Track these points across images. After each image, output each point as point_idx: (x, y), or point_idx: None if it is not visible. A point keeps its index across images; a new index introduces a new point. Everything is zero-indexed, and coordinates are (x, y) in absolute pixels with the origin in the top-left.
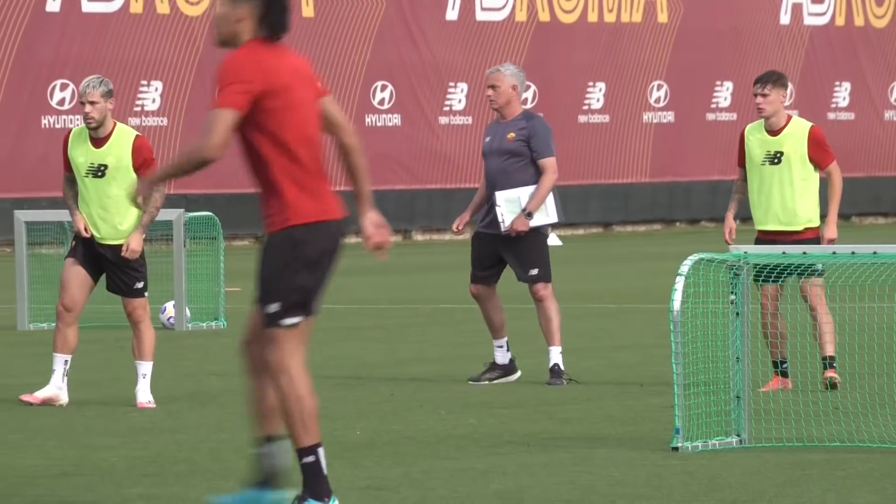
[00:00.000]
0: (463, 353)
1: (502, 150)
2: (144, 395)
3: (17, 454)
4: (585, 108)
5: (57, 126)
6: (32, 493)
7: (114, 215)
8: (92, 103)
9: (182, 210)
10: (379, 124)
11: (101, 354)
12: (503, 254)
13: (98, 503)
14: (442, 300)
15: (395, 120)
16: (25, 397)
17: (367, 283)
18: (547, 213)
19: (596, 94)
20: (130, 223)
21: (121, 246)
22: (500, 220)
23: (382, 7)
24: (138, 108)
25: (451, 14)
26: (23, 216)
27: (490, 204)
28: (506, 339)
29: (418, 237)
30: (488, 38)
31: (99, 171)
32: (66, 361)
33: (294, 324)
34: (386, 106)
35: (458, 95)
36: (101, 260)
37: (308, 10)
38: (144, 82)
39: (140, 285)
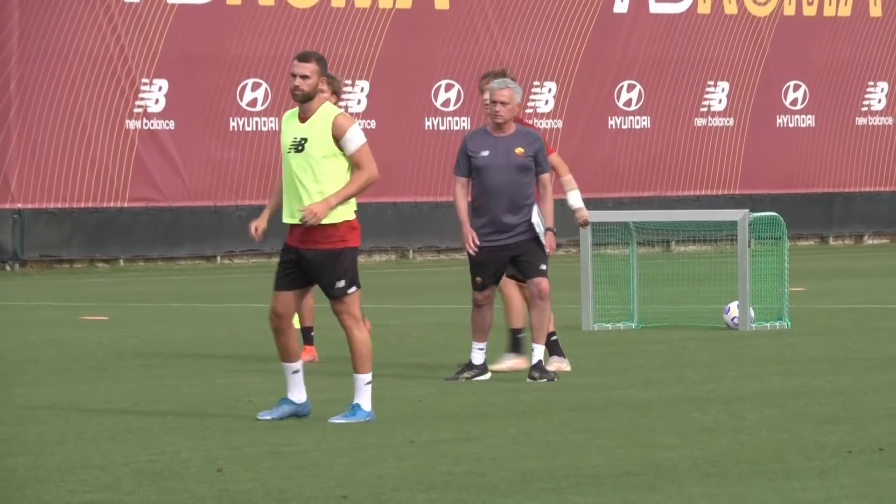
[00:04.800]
0: None
1: (513, 165)
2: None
3: (581, 454)
4: None
5: (623, 127)
6: (595, 492)
7: None
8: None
9: (747, 211)
10: None
11: (666, 355)
12: (514, 260)
13: (660, 503)
14: None
15: None
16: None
17: None
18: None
19: None
20: None
21: None
22: (540, 232)
23: None
24: (704, 109)
25: None
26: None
27: (489, 218)
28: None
29: None
30: None
31: None
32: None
33: None
34: None
35: None
36: None
37: (876, 10)
38: (711, 83)
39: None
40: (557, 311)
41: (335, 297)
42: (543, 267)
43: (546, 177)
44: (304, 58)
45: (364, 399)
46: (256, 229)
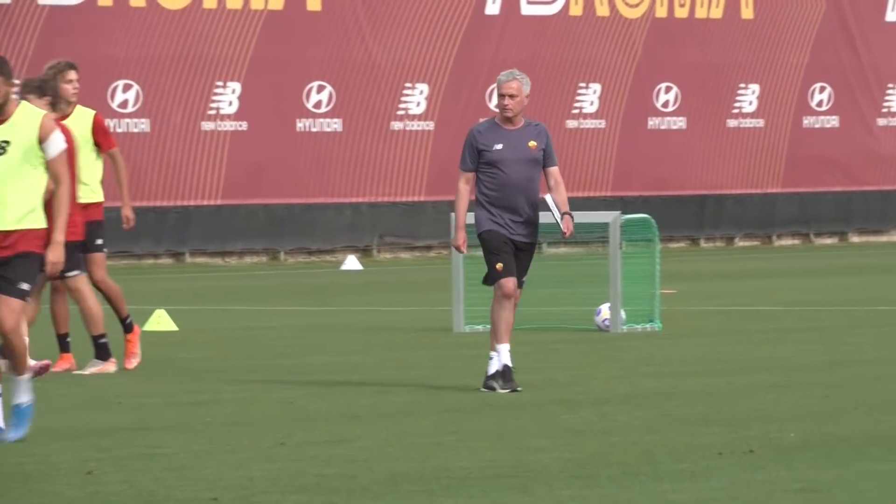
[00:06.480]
0: None
1: (527, 159)
2: None
3: (452, 456)
4: None
5: None
6: (465, 494)
7: None
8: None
9: (618, 212)
10: (817, 126)
11: (537, 356)
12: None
13: None
14: (878, 302)
15: (834, 122)
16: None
17: (802, 285)
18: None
19: None
20: None
21: None
22: (557, 220)
23: (822, 9)
24: (576, 111)
25: (892, 15)
26: None
27: (510, 211)
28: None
29: (855, 239)
30: None
31: None
32: None
33: None
34: (824, 108)
35: None
36: None
37: (748, 13)
38: (583, 84)
39: None
40: (428, 312)
41: (15, 295)
42: (524, 278)
43: (556, 170)
44: None
45: (26, 395)
46: None
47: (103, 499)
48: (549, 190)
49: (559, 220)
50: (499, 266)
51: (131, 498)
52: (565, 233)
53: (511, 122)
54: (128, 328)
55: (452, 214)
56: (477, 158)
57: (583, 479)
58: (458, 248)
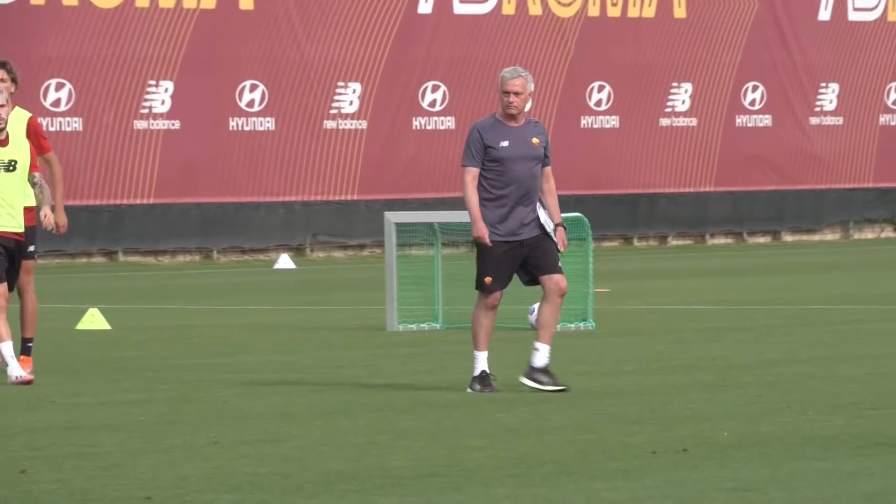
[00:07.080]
0: (833, 354)
1: (532, 156)
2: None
3: (386, 455)
4: None
5: (428, 127)
6: (400, 493)
7: None
8: None
9: None
10: (749, 125)
11: (471, 355)
12: (527, 258)
13: (465, 503)
14: (811, 300)
15: (766, 121)
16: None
17: (735, 284)
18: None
19: None
20: None
21: None
22: (550, 230)
23: (755, 8)
24: None
25: (824, 14)
26: (393, 217)
27: (511, 210)
28: None
29: (788, 238)
30: (860, 39)
31: None
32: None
33: None
34: (757, 106)
35: (829, 96)
36: None
37: (680, 12)
38: None
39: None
40: (362, 311)
41: None
42: (560, 263)
43: (549, 170)
44: None
45: None
46: None
47: (36, 498)
48: (542, 192)
49: (552, 235)
50: (487, 280)
51: (65, 497)
52: (560, 250)
53: (514, 120)
54: (26, 351)
55: (400, 213)
56: (483, 155)
57: (517, 477)
58: (481, 240)
